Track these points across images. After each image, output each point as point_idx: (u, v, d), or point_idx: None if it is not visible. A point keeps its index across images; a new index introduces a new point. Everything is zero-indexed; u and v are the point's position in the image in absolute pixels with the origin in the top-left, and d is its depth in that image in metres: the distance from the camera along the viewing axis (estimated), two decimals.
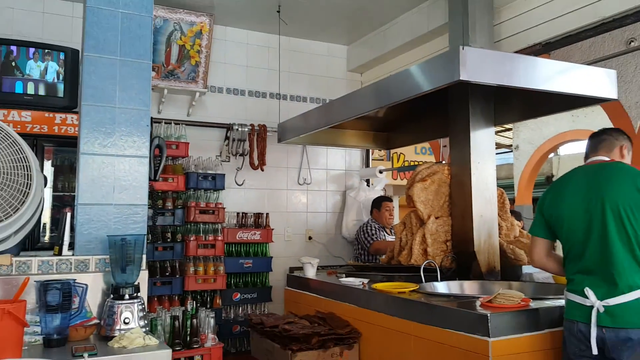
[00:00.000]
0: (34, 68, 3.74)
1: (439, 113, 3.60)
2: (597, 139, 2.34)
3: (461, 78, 2.42)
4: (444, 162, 3.94)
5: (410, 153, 7.90)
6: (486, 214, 3.23)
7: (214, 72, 4.75)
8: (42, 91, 3.73)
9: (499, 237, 3.29)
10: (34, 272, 2.13)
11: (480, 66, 2.53)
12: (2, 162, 2.01)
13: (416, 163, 7.19)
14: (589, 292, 2.06)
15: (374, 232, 4.64)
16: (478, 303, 2.35)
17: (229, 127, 4.75)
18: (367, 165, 5.56)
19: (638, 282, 2.02)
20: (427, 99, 2.92)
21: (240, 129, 4.76)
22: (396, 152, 7.70)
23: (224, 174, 4.44)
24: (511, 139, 10.68)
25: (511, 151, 10.35)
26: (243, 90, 4.97)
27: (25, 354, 1.81)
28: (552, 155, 10.18)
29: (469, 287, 2.97)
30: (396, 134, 4.65)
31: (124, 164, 2.30)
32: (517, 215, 4.23)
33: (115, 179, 2.28)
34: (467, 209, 3.22)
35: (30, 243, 3.46)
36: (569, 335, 2.13)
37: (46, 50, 3.78)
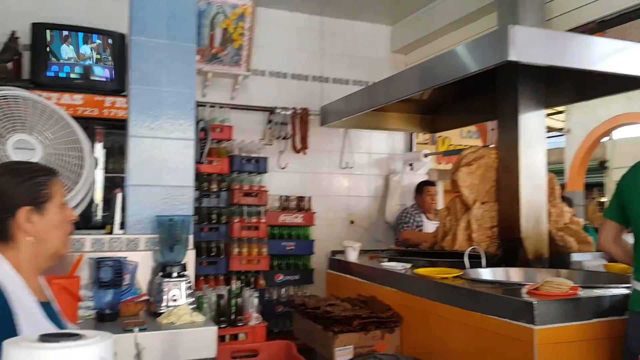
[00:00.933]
0: (84, 52, 3.86)
1: (487, 95, 3.51)
2: None
3: (510, 58, 2.34)
4: (491, 146, 3.85)
5: (456, 137, 7.74)
6: (535, 199, 3.14)
7: (257, 55, 4.77)
8: (91, 75, 3.85)
9: (548, 223, 3.20)
10: (88, 250, 2.22)
11: (530, 46, 2.44)
12: (56, 144, 2.09)
13: (462, 147, 7.04)
14: None
15: (408, 219, 4.60)
16: (524, 290, 2.29)
17: (271, 111, 4.78)
18: (411, 149, 5.49)
19: None
20: (474, 80, 2.84)
21: (282, 113, 4.78)
22: (441, 136, 7.55)
23: (267, 157, 4.49)
24: (562, 122, 10.29)
25: (562, 135, 9.99)
26: (285, 73, 4.97)
27: (79, 327, 1.90)
28: (605, 139, 9.77)
29: (515, 274, 2.91)
30: (441, 117, 4.57)
31: (171, 147, 2.36)
32: (568, 201, 4.09)
33: (163, 161, 2.34)
34: (514, 195, 3.14)
35: (84, 222, 3.60)
36: (634, 329, 2.05)
37: (95, 35, 3.88)
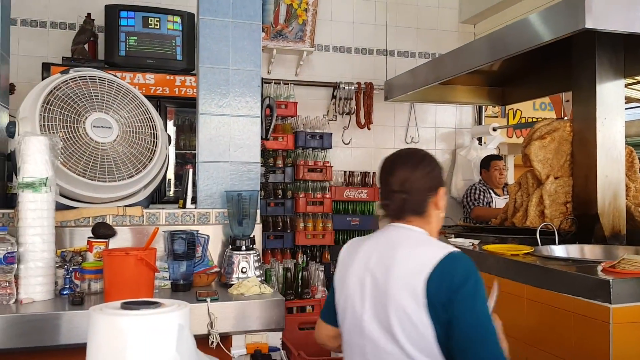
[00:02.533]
0: (154, 32, 3.98)
1: (561, 65, 3.32)
2: None
3: (587, 26, 2.21)
4: (565, 118, 3.66)
5: (528, 109, 7.40)
6: (612, 174, 2.97)
7: (321, 30, 4.75)
8: (162, 55, 3.98)
9: (626, 199, 3.02)
10: (162, 223, 2.34)
11: (608, 12, 2.29)
12: (131, 122, 2.20)
13: (534, 120, 6.74)
14: None
15: (477, 195, 4.48)
16: (600, 268, 2.20)
17: (335, 86, 4.77)
18: (480, 123, 5.33)
19: None
20: (547, 50, 2.71)
21: (346, 88, 4.76)
22: (512, 109, 7.24)
23: (331, 133, 4.50)
24: None
25: None
26: (349, 48, 4.93)
27: (156, 295, 2.02)
28: None
29: (590, 252, 2.79)
30: (512, 89, 4.38)
31: (238, 124, 2.42)
32: None
33: (231, 138, 2.41)
34: (590, 169, 2.98)
35: (158, 197, 3.79)
36: None
37: (164, 15, 4.00)
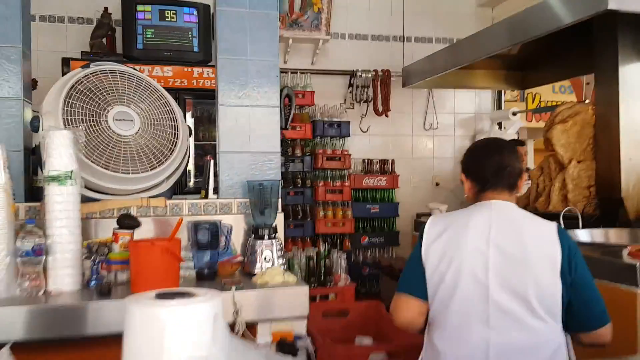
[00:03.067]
0: (170, 24, 4.00)
1: (582, 47, 3.26)
2: None
3: (610, 7, 2.17)
4: (587, 101, 3.60)
5: (548, 93, 7.28)
6: (636, 157, 2.92)
7: (337, 18, 4.72)
8: (179, 47, 4.00)
9: None
10: (185, 214, 2.36)
11: None
12: (152, 115, 2.22)
13: (554, 103, 6.63)
14: None
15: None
16: (625, 252, 2.17)
17: (352, 74, 4.75)
18: (499, 108, 5.26)
19: None
20: (568, 32, 2.66)
21: (363, 75, 4.73)
22: (531, 92, 7.13)
23: (349, 121, 4.49)
24: None
25: None
26: (366, 35, 4.90)
27: (182, 284, 2.05)
28: None
29: (614, 235, 2.75)
30: (532, 73, 4.32)
31: (257, 114, 2.42)
32: None
33: (250, 129, 2.42)
34: (614, 152, 2.94)
35: (180, 188, 3.83)
36: None
37: (181, 7, 4.01)
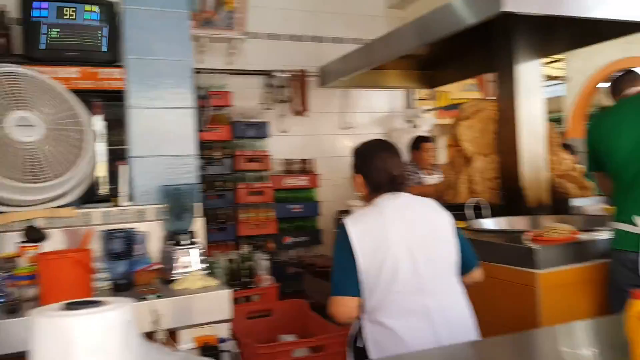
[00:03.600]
0: (77, 23, 3.79)
1: (484, 47, 3.47)
2: (633, 75, 2.29)
3: (504, 9, 2.33)
4: (489, 98, 3.84)
5: (456, 90, 7.68)
6: (534, 148, 3.16)
7: (251, 17, 4.69)
8: (84, 46, 3.80)
9: (549, 171, 3.22)
10: (97, 223, 2.27)
11: None
12: (56, 119, 2.11)
13: (462, 100, 7.01)
14: (637, 219, 2.04)
15: (411, 175, 4.61)
16: (526, 237, 2.34)
17: (269, 74, 4.75)
18: (411, 106, 5.48)
19: None
20: (471, 33, 2.82)
21: (280, 75, 4.75)
22: (440, 90, 7.50)
23: (268, 122, 4.49)
24: (562, 70, 10.17)
25: (562, 83, 9.88)
26: (280, 35, 4.91)
27: (95, 297, 1.97)
28: (603, 84, 9.67)
29: (517, 223, 2.96)
30: (440, 72, 4.54)
31: (171, 116, 2.37)
32: (569, 148, 4.10)
33: (164, 131, 2.36)
34: (514, 145, 3.15)
35: (90, 196, 3.65)
36: (618, 265, 2.12)
37: (81, 5, 3.81)
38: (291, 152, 4.87)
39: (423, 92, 6.39)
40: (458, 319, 1.75)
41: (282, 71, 4.75)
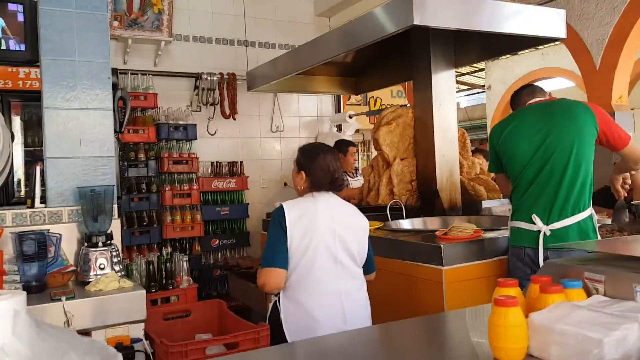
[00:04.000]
0: None
1: (403, 56, 3.65)
2: (531, 88, 2.52)
3: (415, 22, 2.47)
4: (408, 105, 4.03)
5: (387, 96, 7.93)
6: (448, 153, 3.35)
7: (179, 20, 4.68)
8: (2, 45, 3.67)
9: (461, 175, 3.44)
10: (9, 225, 2.21)
11: (435, 10, 2.58)
12: None
13: (388, 106, 7.26)
14: (536, 218, 2.23)
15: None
16: (434, 236, 2.50)
17: (197, 77, 4.74)
18: (339, 111, 5.63)
19: (580, 206, 2.20)
20: (391, 42, 2.96)
21: (209, 78, 4.75)
22: (373, 97, 7.72)
23: (195, 124, 4.48)
24: (484, 78, 10.71)
25: (484, 91, 10.42)
26: (210, 38, 4.92)
27: None
28: None
29: (431, 223, 3.13)
30: (364, 79, 4.70)
31: (88, 117, 2.35)
32: (485, 154, 4.36)
33: (81, 132, 2.33)
34: (430, 150, 3.34)
35: (5, 198, 3.52)
36: (516, 260, 2.31)
37: (2, 3, 3.68)
38: (220, 155, 4.88)
39: (355, 98, 6.57)
40: (360, 303, 2.05)
41: (211, 74, 4.75)
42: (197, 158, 4.48)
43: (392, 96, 8.10)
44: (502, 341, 1.04)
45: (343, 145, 4.78)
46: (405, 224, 3.09)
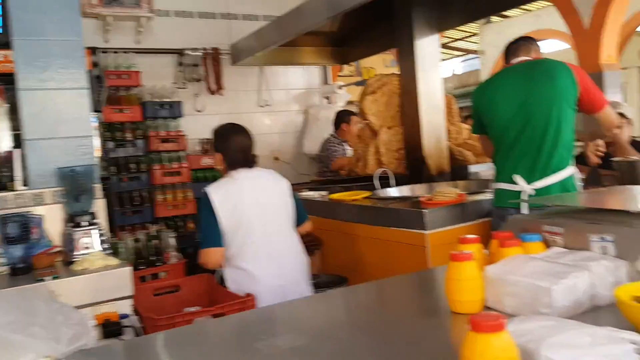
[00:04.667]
0: None
1: (388, 23, 3.59)
2: (515, 45, 2.46)
3: None
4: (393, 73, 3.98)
5: (380, 66, 7.84)
6: (434, 120, 3.33)
7: None
8: None
9: (448, 141, 3.42)
10: None
11: None
12: None
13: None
14: (519, 178, 2.23)
15: (336, 147, 4.72)
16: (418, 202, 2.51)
17: (180, 53, 4.68)
18: (327, 82, 5.57)
19: (562, 165, 2.19)
20: (375, 8, 2.90)
21: (192, 54, 4.69)
22: (366, 67, 7.64)
23: (181, 101, 4.44)
24: (477, 43, 10.61)
25: (478, 57, 10.33)
26: (191, 12, 4.83)
27: None
28: None
29: (418, 190, 3.13)
30: (350, 48, 4.64)
31: (64, 97, 2.32)
32: None
33: (57, 113, 2.31)
34: (415, 117, 3.31)
35: None
36: (499, 222, 2.31)
37: None
38: (208, 132, 4.80)
39: (349, 69, 6.50)
40: (295, 259, 2.29)
41: (194, 49, 4.69)
42: (185, 135, 4.45)
43: (385, 65, 8.02)
44: (457, 294, 1.09)
45: (345, 115, 4.68)
46: (393, 191, 3.09)
